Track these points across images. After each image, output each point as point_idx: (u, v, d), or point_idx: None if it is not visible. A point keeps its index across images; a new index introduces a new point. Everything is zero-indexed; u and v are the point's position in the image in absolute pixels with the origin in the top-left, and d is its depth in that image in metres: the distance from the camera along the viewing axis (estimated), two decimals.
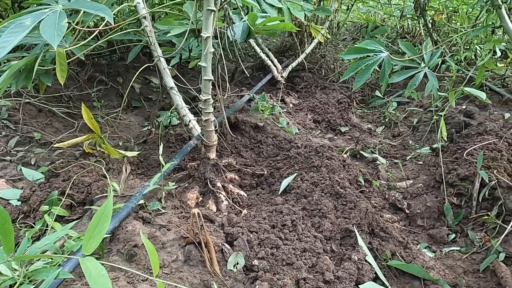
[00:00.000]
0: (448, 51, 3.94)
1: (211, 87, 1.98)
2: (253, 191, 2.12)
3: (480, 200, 1.86)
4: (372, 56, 2.30)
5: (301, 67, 4.26)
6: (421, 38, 5.06)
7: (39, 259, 1.12)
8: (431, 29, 3.97)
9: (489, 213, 1.80)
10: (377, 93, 3.83)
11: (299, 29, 4.35)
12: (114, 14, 2.44)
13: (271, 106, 2.84)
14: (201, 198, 1.99)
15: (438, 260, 1.69)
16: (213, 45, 2.11)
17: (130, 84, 2.42)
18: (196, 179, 2.05)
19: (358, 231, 1.60)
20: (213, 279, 1.29)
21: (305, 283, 1.35)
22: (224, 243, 1.43)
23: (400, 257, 1.61)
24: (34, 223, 1.73)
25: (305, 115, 3.25)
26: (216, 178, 2.03)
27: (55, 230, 1.39)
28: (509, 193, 1.81)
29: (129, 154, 2.20)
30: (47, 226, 1.49)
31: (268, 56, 3.90)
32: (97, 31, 1.80)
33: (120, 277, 1.16)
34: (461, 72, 3.35)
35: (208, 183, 1.98)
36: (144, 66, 2.34)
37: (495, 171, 1.92)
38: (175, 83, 2.31)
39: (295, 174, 2.04)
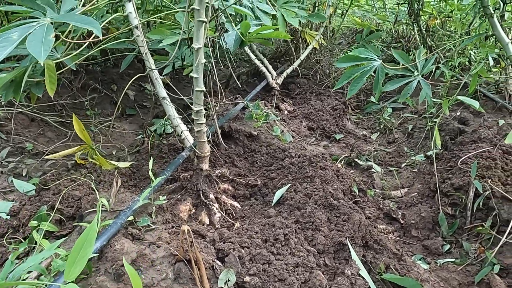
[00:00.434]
0: (442, 56, 3.94)
1: (204, 97, 1.97)
2: (247, 202, 2.10)
3: (474, 210, 1.85)
4: (366, 64, 2.30)
5: (296, 73, 4.25)
6: (416, 42, 5.07)
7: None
8: (425, 35, 3.97)
9: (483, 223, 1.79)
10: (372, 98, 3.83)
11: (292, 37, 4.35)
12: (107, 23, 2.42)
13: (265, 114, 2.83)
14: (193, 210, 1.97)
15: (433, 272, 1.67)
16: (206, 53, 2.10)
17: (124, 92, 2.40)
18: (189, 190, 2.03)
19: (351, 244, 1.58)
20: None
21: None
22: (215, 260, 1.40)
23: (394, 270, 1.59)
24: (23, 238, 1.70)
25: (300, 122, 3.24)
26: (209, 189, 2.01)
27: (43, 248, 1.37)
28: (503, 203, 1.79)
29: (121, 165, 2.18)
30: (35, 243, 1.46)
31: (263, 62, 3.89)
32: (87, 42, 1.77)
33: None
34: (456, 78, 3.35)
35: (201, 195, 1.96)
36: (137, 76, 2.32)
37: (489, 181, 1.91)
38: (167, 93, 2.30)
39: (289, 184, 2.02)
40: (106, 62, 4.22)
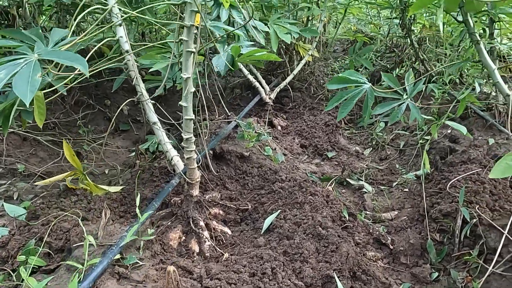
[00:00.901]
0: (433, 67, 3.96)
1: (193, 125, 1.97)
2: (238, 228, 2.11)
3: (462, 238, 1.86)
4: (355, 87, 2.32)
5: (290, 86, 4.26)
6: (410, 53, 5.09)
7: None
8: (418, 48, 3.99)
9: (471, 251, 1.80)
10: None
11: (286, 50, 4.37)
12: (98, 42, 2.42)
13: (257, 134, 2.83)
14: (183, 238, 1.97)
15: None
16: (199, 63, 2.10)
17: (118, 110, 2.40)
18: (179, 217, 2.04)
19: (339, 277, 1.59)
20: None
21: None
22: None
23: None
24: (12, 270, 1.70)
25: (293, 139, 3.25)
26: (199, 215, 2.02)
27: (29, 287, 1.37)
28: (490, 231, 1.81)
29: (112, 189, 2.18)
30: (22, 280, 1.46)
31: (256, 77, 3.90)
32: (73, 74, 1.77)
33: None
34: (447, 93, 3.37)
35: (191, 222, 1.96)
36: (128, 101, 2.33)
37: (477, 207, 1.92)
38: (158, 118, 2.31)
39: (279, 211, 2.03)
40: (99, 75, 4.22)
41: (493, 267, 1.65)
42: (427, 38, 4.40)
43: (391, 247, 2.00)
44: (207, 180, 2.34)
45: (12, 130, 2.94)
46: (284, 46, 4.30)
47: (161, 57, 2.31)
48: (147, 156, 3.14)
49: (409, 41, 4.15)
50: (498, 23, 2.54)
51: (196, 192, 2.09)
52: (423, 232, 2.01)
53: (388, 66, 5.18)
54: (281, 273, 1.54)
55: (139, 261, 1.50)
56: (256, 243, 1.84)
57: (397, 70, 4.74)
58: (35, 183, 2.38)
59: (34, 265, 1.57)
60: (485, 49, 1.93)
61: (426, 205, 2.12)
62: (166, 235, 1.91)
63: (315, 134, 3.28)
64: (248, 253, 1.75)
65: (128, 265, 1.46)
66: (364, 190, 2.63)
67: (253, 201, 2.24)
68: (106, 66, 2.78)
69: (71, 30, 2.07)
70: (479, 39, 1.93)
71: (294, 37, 3.78)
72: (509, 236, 1.70)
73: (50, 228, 1.72)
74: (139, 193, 1.78)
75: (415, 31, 4.54)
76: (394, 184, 2.75)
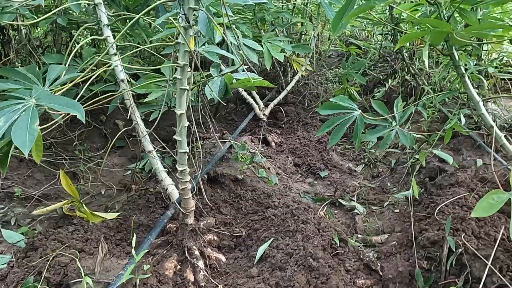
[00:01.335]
0: (425, 81, 4.03)
1: (187, 157, 2.02)
2: (232, 254, 2.16)
3: (448, 267, 1.92)
4: (345, 114, 2.38)
5: (283, 100, 4.31)
6: (402, 65, 5.16)
7: None
8: (409, 64, 4.06)
9: (457, 280, 1.87)
10: None
11: (280, 62, 4.42)
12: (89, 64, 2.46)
13: (251, 155, 2.89)
14: (179, 266, 2.03)
15: None
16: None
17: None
18: (174, 246, 2.09)
19: None
20: None
21: None
22: None
23: None
24: None
25: (286, 157, 3.31)
26: (194, 244, 2.07)
27: None
28: (475, 260, 1.87)
29: (108, 216, 2.22)
30: None
31: (250, 93, 3.96)
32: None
33: None
34: (438, 111, 3.44)
35: (186, 252, 2.01)
36: (123, 130, 2.37)
37: (463, 235, 1.99)
38: (154, 147, 2.36)
39: (272, 239, 2.09)
40: (95, 96, 4.25)
41: None
42: (419, 52, 4.47)
43: (381, 273, 2.07)
44: (201, 205, 2.40)
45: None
46: (277, 62, 4.35)
47: (155, 87, 2.36)
48: (142, 175, 3.19)
49: (401, 56, 4.22)
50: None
51: (191, 220, 2.14)
52: (411, 259, 2.08)
53: (381, 77, 5.25)
54: None
55: None
56: (249, 273, 1.90)
57: (390, 81, 4.81)
58: (33, 212, 2.41)
59: None
60: (470, 82, 1.99)
61: (414, 232, 2.18)
62: (162, 265, 1.96)
63: (309, 152, 3.34)
64: (241, 284, 1.80)
65: None
66: (356, 211, 2.69)
67: (246, 227, 2.29)
68: (101, 89, 2.83)
69: (67, 63, 2.11)
70: (464, 72, 1.99)
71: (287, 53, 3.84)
72: (492, 267, 1.77)
73: (48, 263, 1.77)
74: (134, 234, 1.82)
75: (407, 44, 4.61)
76: (385, 204, 2.81)
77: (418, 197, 2.59)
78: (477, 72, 2.68)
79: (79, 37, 4.04)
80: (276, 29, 4.19)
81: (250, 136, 3.44)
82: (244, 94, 3.84)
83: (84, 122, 1.45)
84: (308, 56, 4.14)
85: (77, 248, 1.86)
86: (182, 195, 2.08)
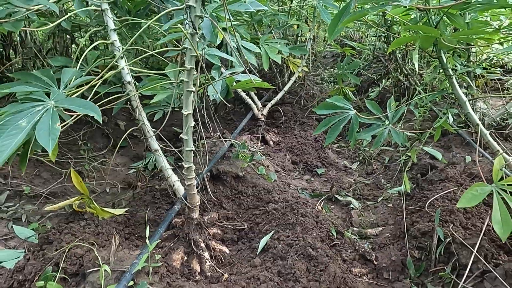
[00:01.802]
0: (417, 81, 4.19)
1: (193, 155, 2.14)
2: (235, 247, 2.29)
3: (438, 255, 2.07)
4: (341, 114, 2.52)
5: (281, 101, 4.45)
6: (395, 65, 5.32)
7: None
8: (402, 65, 4.21)
9: (445, 267, 2.01)
10: None
11: (278, 63, 4.54)
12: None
13: (251, 153, 3.01)
14: (186, 258, 2.15)
15: None
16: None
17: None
18: (181, 239, 2.21)
19: None
20: None
21: None
22: None
23: None
24: None
25: (284, 155, 3.44)
26: (200, 237, 2.19)
27: None
28: (462, 249, 2.02)
29: (117, 212, 2.35)
30: None
31: (248, 93, 4.08)
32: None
33: None
34: (429, 110, 3.59)
35: (192, 244, 2.13)
36: (130, 130, 2.48)
37: (451, 226, 2.13)
38: (159, 146, 2.47)
39: (273, 231, 2.22)
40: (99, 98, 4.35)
41: (463, 282, 1.86)
42: (412, 53, 4.62)
43: (375, 263, 2.20)
44: (205, 201, 2.52)
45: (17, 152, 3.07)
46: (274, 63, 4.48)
47: (161, 88, 2.48)
48: (145, 174, 3.30)
49: (394, 57, 4.38)
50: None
51: (196, 214, 2.27)
52: (404, 249, 2.22)
53: (375, 77, 5.40)
54: None
55: (149, 286, 1.67)
56: (253, 263, 2.02)
57: (384, 81, 4.96)
58: (44, 208, 2.52)
59: None
60: (457, 83, 2.13)
61: (406, 224, 2.32)
62: (170, 256, 2.08)
63: (306, 150, 3.47)
64: (245, 273, 1.93)
65: None
66: (351, 206, 2.83)
67: (248, 220, 2.42)
68: (108, 90, 2.94)
69: (77, 66, 2.22)
70: (451, 74, 2.13)
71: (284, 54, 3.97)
72: (478, 255, 1.91)
73: (65, 255, 1.88)
74: (148, 225, 1.94)
75: (400, 46, 4.76)
76: (380, 199, 2.96)
77: (410, 192, 2.73)
78: (465, 73, 2.83)
79: (79, 39, 4.13)
80: (273, 31, 4.31)
81: (249, 135, 3.57)
82: (243, 94, 3.97)
83: (101, 121, 1.57)
84: (305, 57, 4.27)
85: (90, 241, 1.97)
86: (188, 191, 2.20)
